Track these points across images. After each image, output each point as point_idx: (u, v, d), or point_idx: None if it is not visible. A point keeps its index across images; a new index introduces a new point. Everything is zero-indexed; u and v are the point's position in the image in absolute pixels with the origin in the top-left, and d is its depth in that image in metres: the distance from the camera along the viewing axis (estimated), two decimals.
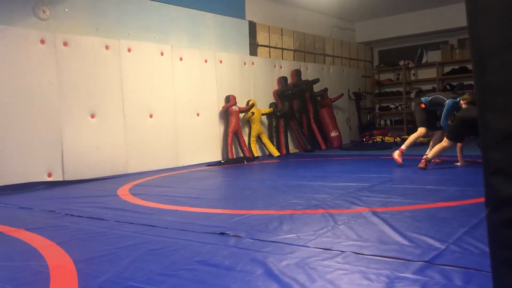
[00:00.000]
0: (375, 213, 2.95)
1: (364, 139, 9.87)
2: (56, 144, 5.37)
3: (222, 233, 2.61)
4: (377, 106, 12.11)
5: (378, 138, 9.61)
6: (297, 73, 8.98)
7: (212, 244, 2.41)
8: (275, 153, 7.95)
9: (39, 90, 5.24)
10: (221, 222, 2.93)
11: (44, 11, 5.41)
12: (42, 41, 5.30)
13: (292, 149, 8.62)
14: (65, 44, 5.50)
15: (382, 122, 11.82)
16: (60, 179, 5.37)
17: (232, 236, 2.55)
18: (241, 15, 8.15)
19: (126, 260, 2.20)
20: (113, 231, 2.83)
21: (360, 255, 2.10)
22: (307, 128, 8.88)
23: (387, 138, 9.52)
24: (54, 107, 5.36)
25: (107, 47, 5.93)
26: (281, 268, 1.97)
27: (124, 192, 4.49)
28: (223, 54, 7.60)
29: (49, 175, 5.30)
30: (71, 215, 3.43)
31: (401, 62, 11.49)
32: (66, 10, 5.64)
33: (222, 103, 7.51)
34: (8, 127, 4.97)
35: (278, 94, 8.52)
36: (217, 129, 7.44)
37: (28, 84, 5.15)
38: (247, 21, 8.24)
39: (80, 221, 3.22)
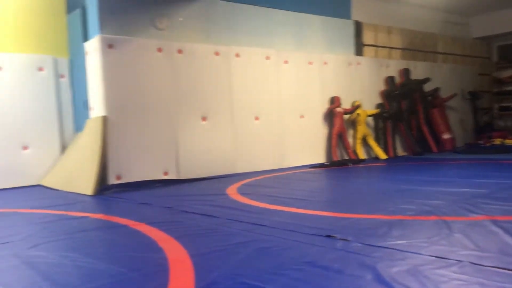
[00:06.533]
0: (495, 222, 2.73)
1: (481, 142, 9.13)
2: (172, 145, 5.78)
3: (328, 236, 2.61)
4: (496, 106, 11.13)
5: (497, 141, 8.84)
6: (405, 72, 8.61)
7: (320, 246, 2.42)
8: (382, 155, 7.71)
9: (157, 95, 5.67)
10: (328, 224, 2.92)
11: (161, 22, 5.85)
12: (160, 50, 5.73)
13: (400, 152, 8.28)
14: (180, 51, 5.89)
15: (502, 124, 10.83)
16: (175, 177, 5.76)
17: (340, 239, 2.53)
18: (347, 16, 8.03)
19: (238, 257, 2.29)
20: (224, 228, 2.97)
21: (479, 266, 1.97)
22: (416, 130, 8.47)
23: (507, 141, 8.71)
24: (170, 110, 5.78)
25: (217, 53, 6.23)
26: (392, 274, 1.91)
27: (232, 191, 4.68)
28: (328, 55, 7.56)
29: (166, 173, 5.71)
30: (186, 211, 3.66)
31: None
32: (180, 19, 6.03)
33: (327, 105, 7.47)
34: (130, 129, 5.45)
35: (385, 95, 8.25)
36: (321, 131, 7.42)
37: (148, 89, 5.60)
38: (353, 21, 8.10)
39: (194, 217, 3.42)
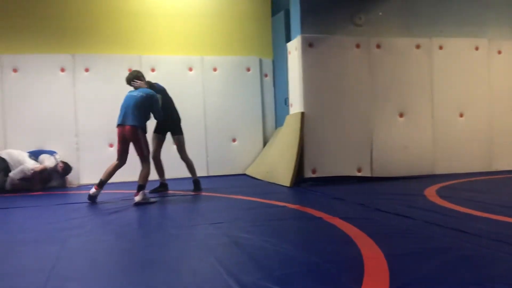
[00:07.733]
0: None
1: None
2: (366, 142, 5.73)
3: None
4: None
5: None
6: None
7: None
8: None
9: (353, 91, 5.70)
10: None
11: (360, 18, 5.82)
12: (358, 46, 5.73)
13: None
14: (377, 46, 5.79)
15: None
16: (369, 175, 5.70)
17: None
18: None
19: (436, 262, 2.16)
20: (420, 231, 2.83)
21: None
22: None
23: None
24: (365, 106, 5.74)
25: (418, 46, 5.93)
26: None
27: (431, 193, 4.41)
28: None
29: (359, 170, 5.70)
30: (379, 210, 3.60)
31: None
32: (380, 14, 5.90)
33: None
34: (326, 125, 5.59)
35: None
36: None
37: (344, 85, 5.67)
38: None
39: (388, 216, 3.34)
